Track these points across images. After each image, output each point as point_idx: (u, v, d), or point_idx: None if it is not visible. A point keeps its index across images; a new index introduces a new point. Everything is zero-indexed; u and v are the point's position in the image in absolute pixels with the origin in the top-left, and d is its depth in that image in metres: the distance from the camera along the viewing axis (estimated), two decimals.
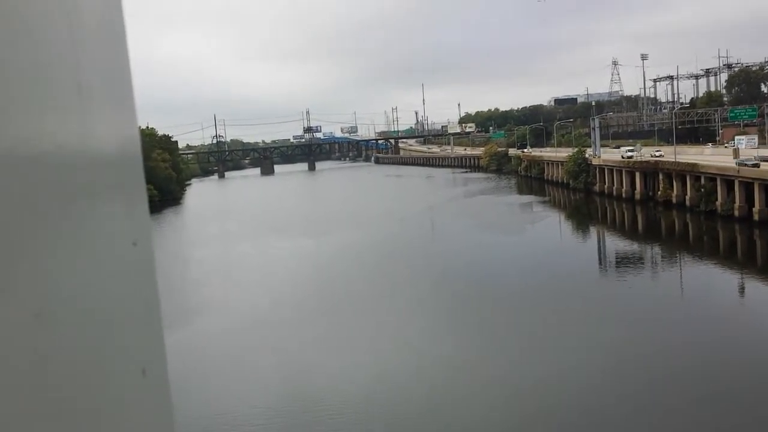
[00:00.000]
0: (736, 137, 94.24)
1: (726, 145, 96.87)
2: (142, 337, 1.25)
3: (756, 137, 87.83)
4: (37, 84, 0.79)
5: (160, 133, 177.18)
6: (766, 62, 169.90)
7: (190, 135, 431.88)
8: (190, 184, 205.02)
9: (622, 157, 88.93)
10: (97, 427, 0.97)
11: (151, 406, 1.27)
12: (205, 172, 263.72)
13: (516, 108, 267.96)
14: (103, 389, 1.01)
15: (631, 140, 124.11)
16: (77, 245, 0.93)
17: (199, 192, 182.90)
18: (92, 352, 0.97)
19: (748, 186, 61.37)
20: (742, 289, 43.05)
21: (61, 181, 0.87)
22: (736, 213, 62.50)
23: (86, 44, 0.98)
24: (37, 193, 0.78)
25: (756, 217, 59.20)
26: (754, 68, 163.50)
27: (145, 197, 1.37)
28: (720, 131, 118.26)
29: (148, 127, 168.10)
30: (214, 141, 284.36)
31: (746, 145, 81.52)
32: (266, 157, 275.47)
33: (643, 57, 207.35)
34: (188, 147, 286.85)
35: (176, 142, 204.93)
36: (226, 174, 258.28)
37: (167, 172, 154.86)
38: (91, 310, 0.97)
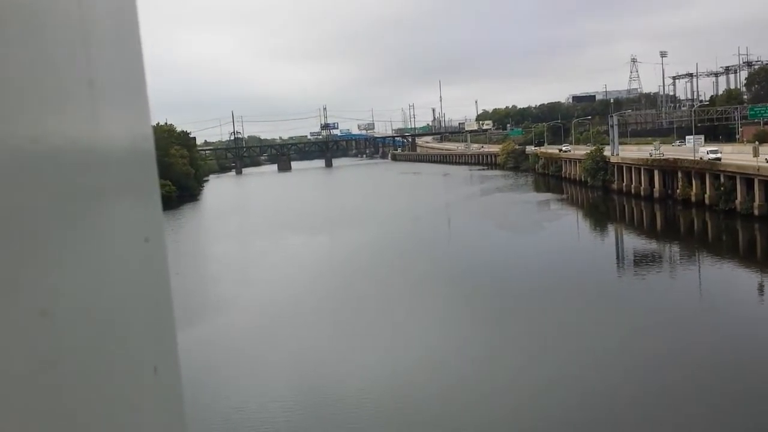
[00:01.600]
0: (687, 137, 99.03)
1: (676, 143, 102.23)
2: (154, 334, 1.24)
3: (702, 137, 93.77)
4: (48, 79, 0.79)
5: (179, 129, 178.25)
6: None
7: (208, 131, 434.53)
8: (207, 181, 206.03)
9: (702, 158, 76.38)
10: (108, 425, 0.97)
11: (163, 403, 1.26)
12: (223, 169, 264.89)
13: (534, 105, 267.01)
14: (113, 387, 1.00)
15: (649, 138, 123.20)
16: (88, 241, 0.92)
17: (217, 188, 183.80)
18: (102, 349, 0.97)
19: (767, 185, 60.85)
20: (762, 289, 42.71)
21: (73, 176, 0.87)
22: (756, 212, 61.93)
23: (98, 38, 0.97)
24: (47, 189, 0.78)
25: None
26: None
27: (157, 193, 1.35)
28: (740, 129, 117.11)
29: (166, 123, 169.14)
30: (232, 137, 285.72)
31: (695, 144, 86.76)
32: (283, 154, 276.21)
33: (663, 54, 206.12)
34: (206, 143, 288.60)
35: (194, 138, 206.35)
36: (243, 170, 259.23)
37: (185, 168, 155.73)
38: (101, 307, 0.97)
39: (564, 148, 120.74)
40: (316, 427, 24.82)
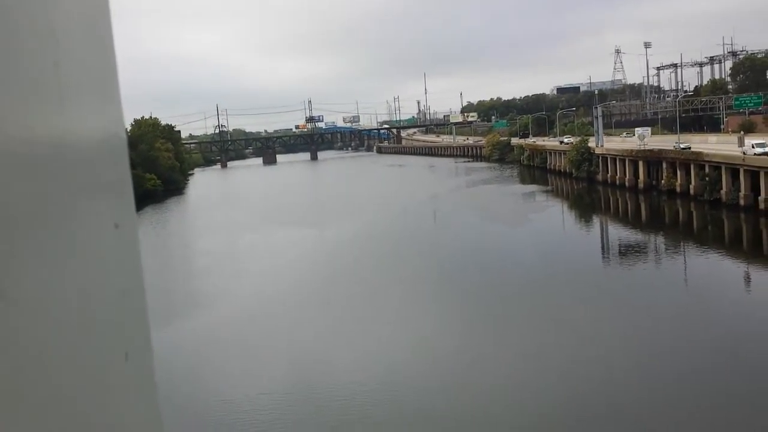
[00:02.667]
0: (636, 129, 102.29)
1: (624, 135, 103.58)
2: (125, 320, 1.22)
3: (649, 129, 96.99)
4: (13, 64, 0.77)
5: (164, 123, 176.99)
6: None
7: (193, 125, 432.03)
8: (192, 174, 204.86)
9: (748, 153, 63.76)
10: (79, 412, 0.96)
11: (135, 390, 1.24)
12: (208, 162, 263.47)
13: (518, 97, 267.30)
14: (82, 373, 0.99)
15: (635, 128, 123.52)
16: (54, 226, 0.90)
17: (202, 181, 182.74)
18: (70, 334, 0.95)
19: (753, 175, 60.94)
20: (747, 279, 42.83)
21: (40, 162, 0.85)
22: (742, 202, 62.11)
23: (65, 23, 0.95)
24: (13, 174, 0.77)
25: (762, 206, 58.77)
26: (759, 55, 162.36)
27: (128, 178, 1.34)
28: (725, 119, 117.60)
29: (151, 117, 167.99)
30: (217, 131, 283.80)
31: (644, 135, 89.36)
32: (268, 147, 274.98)
33: (647, 45, 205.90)
34: (191, 137, 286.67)
35: (179, 132, 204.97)
36: (229, 164, 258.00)
37: (170, 162, 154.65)
38: (68, 293, 0.95)
39: (566, 140, 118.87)
40: (302, 419, 24.54)
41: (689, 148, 74.98)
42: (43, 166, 0.87)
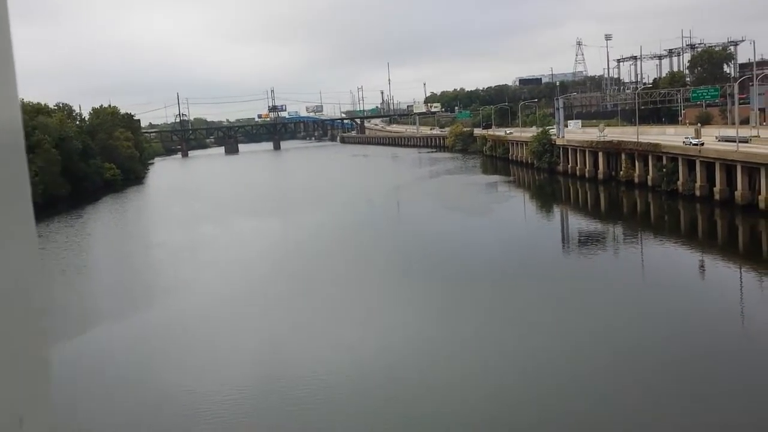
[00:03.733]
0: (570, 121, 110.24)
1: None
2: (20, 376, 1.05)
3: (580, 122, 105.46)
4: None
5: (123, 111, 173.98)
6: (728, 43, 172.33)
7: (153, 114, 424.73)
8: (152, 163, 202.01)
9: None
10: None
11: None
12: (169, 151, 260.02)
13: (481, 88, 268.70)
14: None
15: (595, 120, 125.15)
16: None
17: (163, 171, 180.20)
18: None
19: (709, 166, 62.27)
20: (702, 267, 43.80)
21: None
22: (698, 193, 63.44)
23: None
24: None
25: (717, 197, 60.15)
26: (716, 49, 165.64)
27: (26, 185, 1.15)
28: (682, 111, 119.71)
29: (110, 105, 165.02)
30: (178, 120, 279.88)
31: (573, 127, 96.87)
32: (230, 137, 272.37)
33: (607, 37, 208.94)
34: (151, 126, 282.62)
35: (139, 120, 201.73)
36: (190, 153, 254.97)
37: (129, 151, 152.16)
38: None
39: (508, 131, 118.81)
40: (263, 411, 24.46)
41: (702, 144, 67.00)
42: None
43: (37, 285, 1.10)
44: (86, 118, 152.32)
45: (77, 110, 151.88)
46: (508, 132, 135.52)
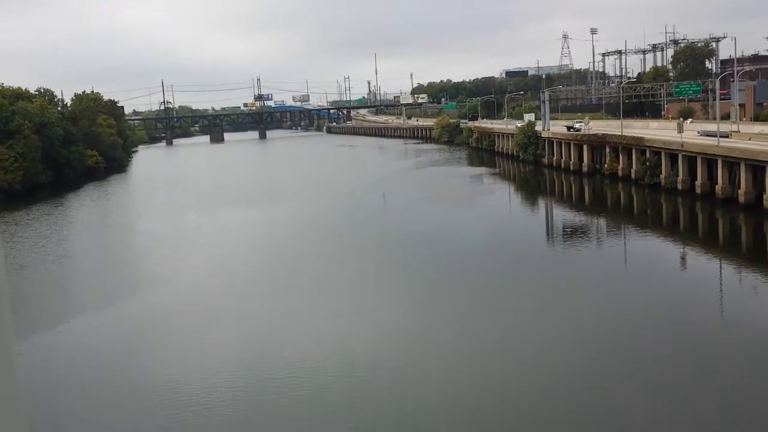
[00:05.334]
0: (525, 115, 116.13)
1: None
2: None
3: (533, 115, 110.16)
4: None
5: (106, 98, 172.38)
6: (711, 39, 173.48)
7: (137, 101, 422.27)
8: (136, 151, 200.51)
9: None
10: None
11: None
12: (153, 139, 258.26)
13: (468, 80, 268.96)
14: None
15: (579, 113, 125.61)
16: None
17: (146, 159, 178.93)
18: None
19: (691, 160, 62.67)
20: (683, 259, 44.15)
21: None
22: (680, 186, 63.86)
23: None
24: None
25: (698, 190, 60.58)
26: (699, 44, 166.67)
27: None
28: (665, 106, 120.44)
29: (93, 92, 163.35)
30: (162, 107, 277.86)
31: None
32: (215, 125, 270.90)
33: (593, 31, 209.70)
34: (135, 113, 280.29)
35: (122, 107, 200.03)
36: (175, 141, 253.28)
37: (113, 138, 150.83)
38: None
39: (578, 125, 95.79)
40: (260, 402, 24.41)
41: (729, 135, 64.16)
42: None
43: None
44: (68, 105, 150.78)
45: (59, 96, 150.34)
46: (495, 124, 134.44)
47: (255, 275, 43.87)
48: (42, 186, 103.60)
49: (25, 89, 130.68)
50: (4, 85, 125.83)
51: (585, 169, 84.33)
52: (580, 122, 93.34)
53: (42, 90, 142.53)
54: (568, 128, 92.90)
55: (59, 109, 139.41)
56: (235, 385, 25.78)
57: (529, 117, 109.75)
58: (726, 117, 76.02)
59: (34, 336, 32.06)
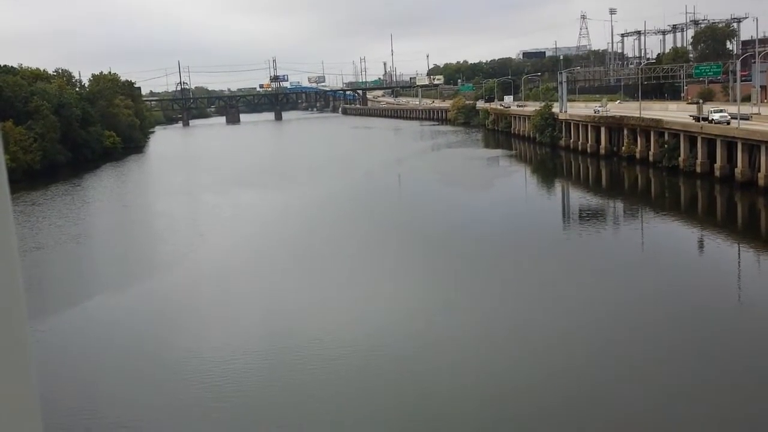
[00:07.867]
0: (505, 97, 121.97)
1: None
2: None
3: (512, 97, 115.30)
4: None
5: (123, 78, 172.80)
6: (732, 19, 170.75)
7: (154, 81, 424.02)
8: (153, 132, 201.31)
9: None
10: None
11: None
12: (169, 120, 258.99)
13: (485, 61, 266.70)
14: None
15: (597, 95, 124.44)
16: None
17: (163, 140, 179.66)
18: None
19: (710, 143, 62.05)
20: (701, 243, 43.87)
21: None
22: (698, 169, 63.29)
23: None
24: None
25: (717, 173, 60.02)
26: (720, 25, 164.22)
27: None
28: (685, 87, 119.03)
29: (110, 72, 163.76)
30: (179, 88, 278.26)
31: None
32: (232, 106, 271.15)
33: (612, 11, 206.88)
34: (152, 94, 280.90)
35: (139, 88, 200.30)
36: (191, 122, 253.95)
37: (130, 119, 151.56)
38: None
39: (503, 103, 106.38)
40: (281, 378, 24.73)
41: (750, 117, 62.08)
42: None
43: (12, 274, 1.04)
44: (86, 85, 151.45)
45: (77, 77, 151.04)
46: (518, 105, 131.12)
47: (273, 254, 44.13)
48: (60, 166, 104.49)
49: (44, 70, 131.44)
50: (23, 65, 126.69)
51: (602, 151, 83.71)
52: (612, 102, 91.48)
53: (60, 71, 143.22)
54: (595, 111, 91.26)
55: (77, 89, 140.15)
56: (254, 362, 26.10)
57: (508, 99, 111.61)
58: (747, 99, 75.02)
59: (53, 314, 32.56)
